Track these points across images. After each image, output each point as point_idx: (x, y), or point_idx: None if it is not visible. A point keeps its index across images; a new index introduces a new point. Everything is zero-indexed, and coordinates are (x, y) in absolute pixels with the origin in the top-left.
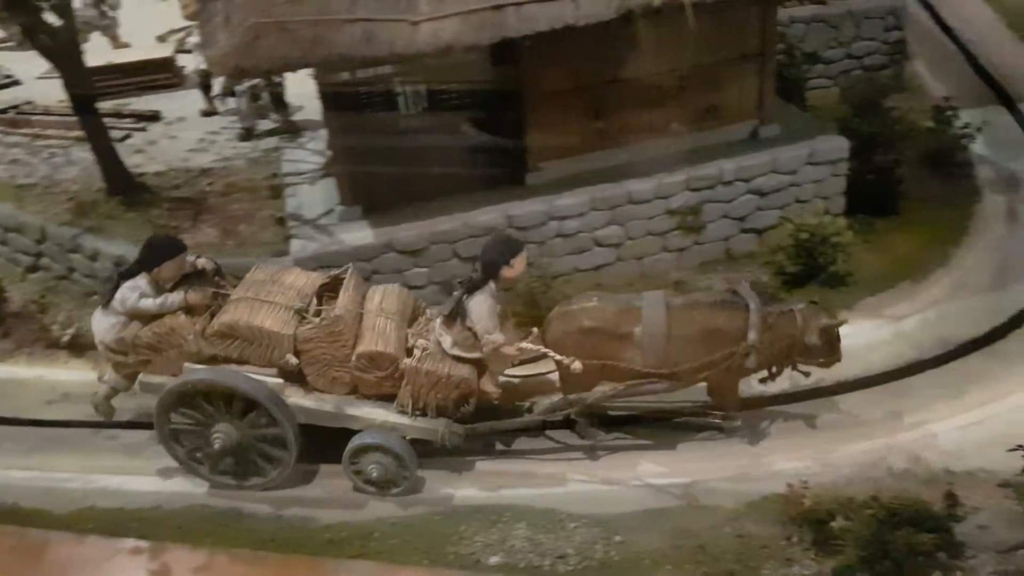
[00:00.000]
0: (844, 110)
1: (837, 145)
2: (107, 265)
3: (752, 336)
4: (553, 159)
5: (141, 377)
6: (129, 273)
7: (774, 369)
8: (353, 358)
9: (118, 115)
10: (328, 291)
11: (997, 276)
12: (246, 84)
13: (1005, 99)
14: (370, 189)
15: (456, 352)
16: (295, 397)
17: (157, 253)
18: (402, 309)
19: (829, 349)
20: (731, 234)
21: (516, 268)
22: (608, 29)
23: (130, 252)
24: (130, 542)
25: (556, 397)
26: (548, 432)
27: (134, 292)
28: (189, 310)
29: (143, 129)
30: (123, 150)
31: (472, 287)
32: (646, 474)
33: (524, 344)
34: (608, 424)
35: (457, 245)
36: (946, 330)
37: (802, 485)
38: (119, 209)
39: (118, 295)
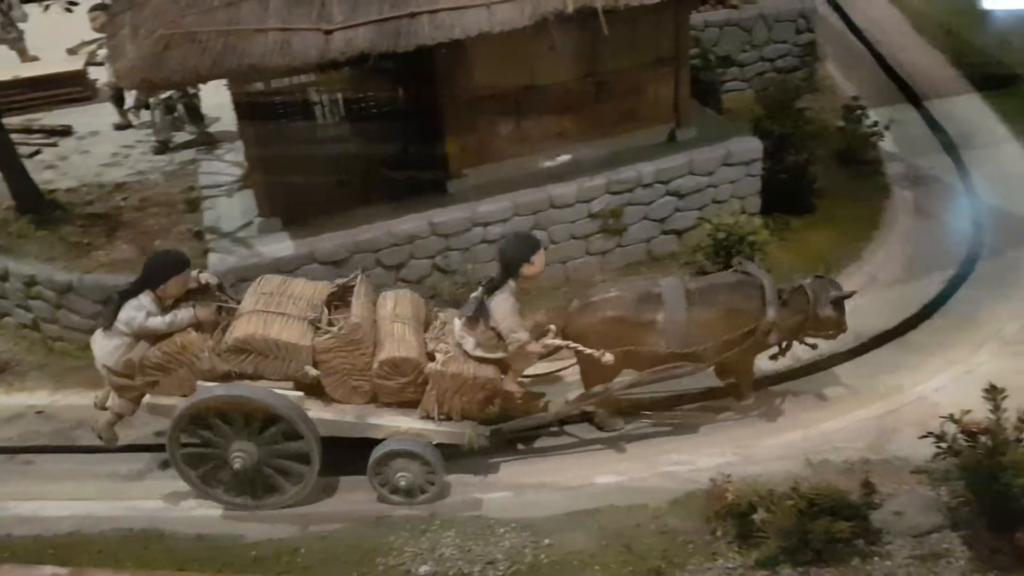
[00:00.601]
0: (759, 111)
1: (751, 146)
2: (17, 285)
3: (771, 313)
4: (475, 165)
5: (148, 399)
6: (131, 292)
7: (784, 344)
8: (375, 365)
9: (27, 130)
10: (336, 300)
11: (906, 269)
12: (160, 96)
13: (912, 97)
14: (289, 200)
15: (479, 353)
16: (315, 410)
17: (161, 270)
18: (416, 314)
19: (838, 321)
20: (652, 236)
21: (536, 265)
22: (524, 35)
23: (41, 272)
24: (48, 569)
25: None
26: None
27: (140, 311)
28: (198, 326)
29: (54, 144)
30: (33, 166)
31: (492, 287)
32: (574, 477)
33: (549, 340)
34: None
35: (380, 254)
36: (860, 322)
37: (725, 480)
38: (29, 227)
39: (122, 316)
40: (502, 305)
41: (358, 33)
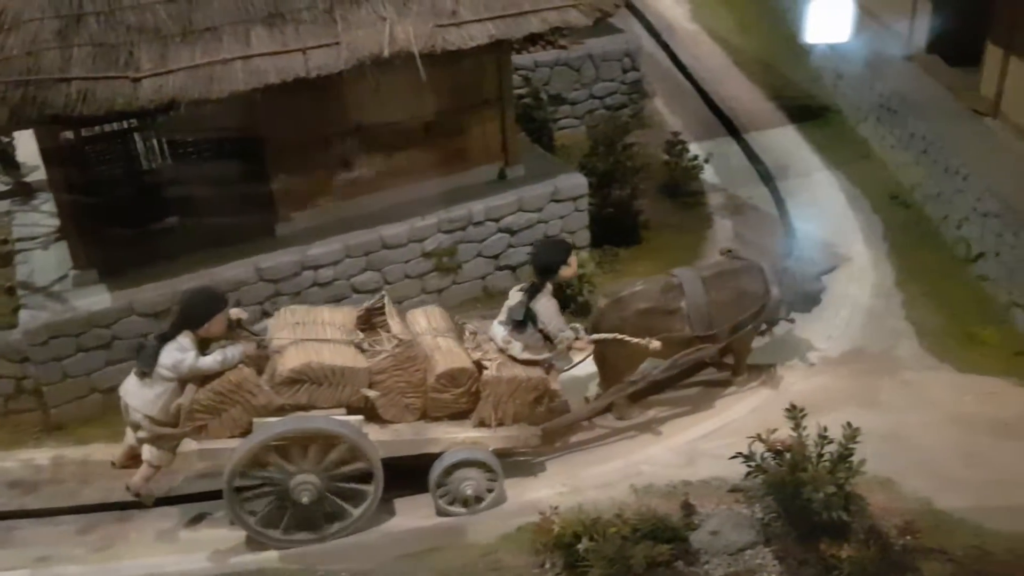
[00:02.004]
0: (590, 148)
1: (577, 182)
2: None
3: (775, 292)
4: (303, 208)
5: (199, 445)
6: (170, 335)
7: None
8: (432, 380)
9: None
10: (362, 324)
11: None
12: None
13: (732, 131)
14: (107, 250)
15: (526, 356)
16: (373, 432)
17: (204, 308)
18: (449, 327)
19: (817, 297)
20: (487, 272)
21: (572, 267)
22: (346, 79)
23: None
24: None
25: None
26: None
27: (186, 352)
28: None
29: None
30: None
31: (534, 291)
32: (402, 521)
33: (595, 336)
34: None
35: None
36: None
37: (552, 511)
38: None
39: (165, 360)
40: (547, 307)
41: (168, 80)
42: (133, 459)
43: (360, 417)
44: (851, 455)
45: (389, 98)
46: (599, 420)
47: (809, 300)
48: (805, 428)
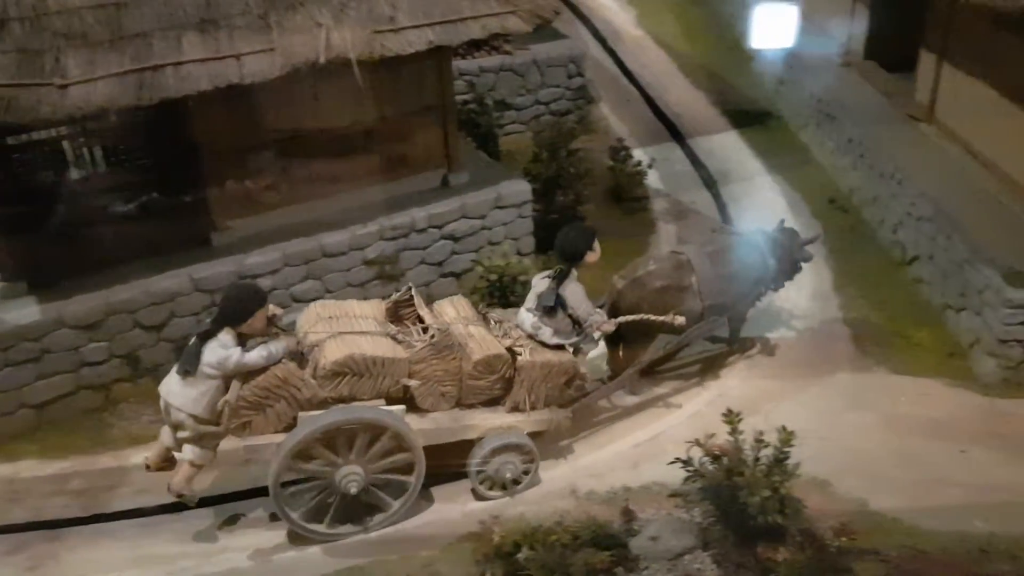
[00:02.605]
0: (534, 154)
1: (521, 189)
2: None
3: (772, 262)
4: (241, 216)
5: (245, 442)
6: (212, 332)
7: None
8: (468, 367)
9: None
10: (389, 317)
11: None
12: None
13: (677, 136)
14: (35, 261)
15: (556, 340)
16: (413, 421)
17: (247, 303)
18: (475, 316)
19: (800, 266)
20: (431, 279)
21: (597, 251)
22: (285, 84)
23: None
24: None
25: None
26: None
27: (230, 349)
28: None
29: None
30: None
31: (562, 277)
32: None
33: (621, 319)
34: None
35: (138, 314)
36: None
37: (493, 521)
38: None
39: (209, 358)
40: (576, 292)
41: (96, 87)
42: (167, 461)
43: (402, 407)
44: (787, 458)
45: (328, 104)
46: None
47: (795, 269)
48: (742, 432)
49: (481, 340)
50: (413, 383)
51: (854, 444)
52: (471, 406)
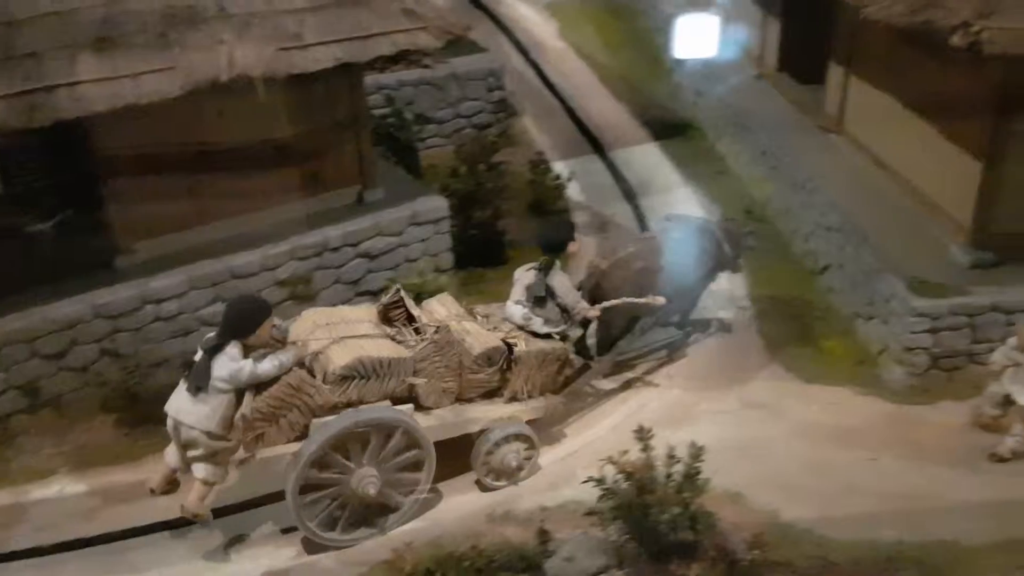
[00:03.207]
0: (458, 166)
1: (437, 205)
2: None
3: (728, 248)
4: (146, 238)
5: (260, 453)
6: (220, 346)
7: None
8: (468, 361)
9: None
10: (381, 320)
11: None
12: None
13: (598, 148)
14: None
15: (546, 330)
16: (420, 419)
17: (254, 315)
18: (465, 312)
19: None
20: (347, 298)
21: (578, 242)
22: (188, 102)
23: None
24: None
25: None
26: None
27: (240, 361)
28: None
29: None
30: None
31: (547, 268)
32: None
33: (605, 303)
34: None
35: (36, 344)
36: None
37: (406, 548)
38: None
39: (220, 372)
40: (564, 281)
41: None
42: (172, 483)
43: (410, 406)
44: (697, 474)
45: (235, 121)
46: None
47: (739, 257)
48: (654, 448)
49: (477, 334)
50: (419, 381)
51: (767, 454)
52: (469, 400)
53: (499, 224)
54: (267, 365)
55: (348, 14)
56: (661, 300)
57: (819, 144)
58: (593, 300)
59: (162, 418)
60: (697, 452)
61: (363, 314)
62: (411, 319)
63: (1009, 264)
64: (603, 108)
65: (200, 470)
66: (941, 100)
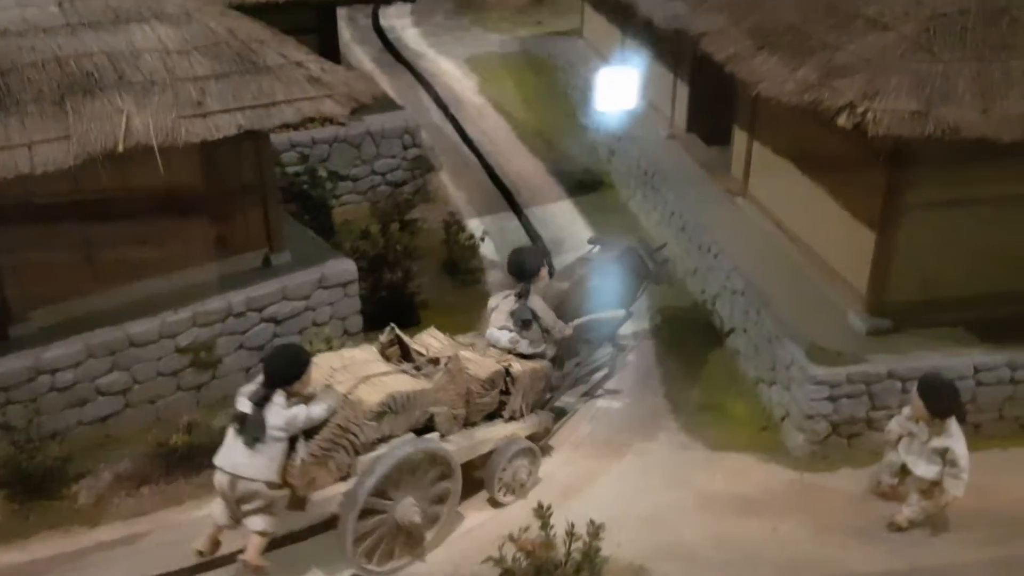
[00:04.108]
0: (374, 223)
1: (346, 268)
2: None
3: (651, 266)
4: (42, 306)
5: (314, 496)
6: (267, 397)
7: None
8: (477, 386)
9: None
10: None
11: None
12: None
13: (514, 205)
14: None
15: (531, 350)
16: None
17: (297, 365)
18: (454, 342)
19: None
20: (251, 364)
21: (546, 268)
22: (84, 167)
23: None
24: None
25: None
26: None
27: (295, 407)
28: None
29: None
30: None
31: (526, 294)
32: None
33: (576, 321)
34: None
35: None
36: None
37: None
38: None
39: (276, 421)
40: (541, 304)
41: None
42: (217, 543)
43: (436, 434)
44: (598, 551)
45: (136, 186)
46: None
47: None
48: (552, 527)
49: (477, 361)
50: (440, 410)
51: (671, 525)
52: (474, 424)
53: (410, 285)
54: (319, 409)
55: (252, 81)
56: (621, 312)
57: (725, 206)
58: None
59: (53, 494)
60: (596, 531)
61: (369, 355)
62: (405, 355)
63: (905, 331)
64: (520, 164)
65: (258, 522)
66: (836, 171)
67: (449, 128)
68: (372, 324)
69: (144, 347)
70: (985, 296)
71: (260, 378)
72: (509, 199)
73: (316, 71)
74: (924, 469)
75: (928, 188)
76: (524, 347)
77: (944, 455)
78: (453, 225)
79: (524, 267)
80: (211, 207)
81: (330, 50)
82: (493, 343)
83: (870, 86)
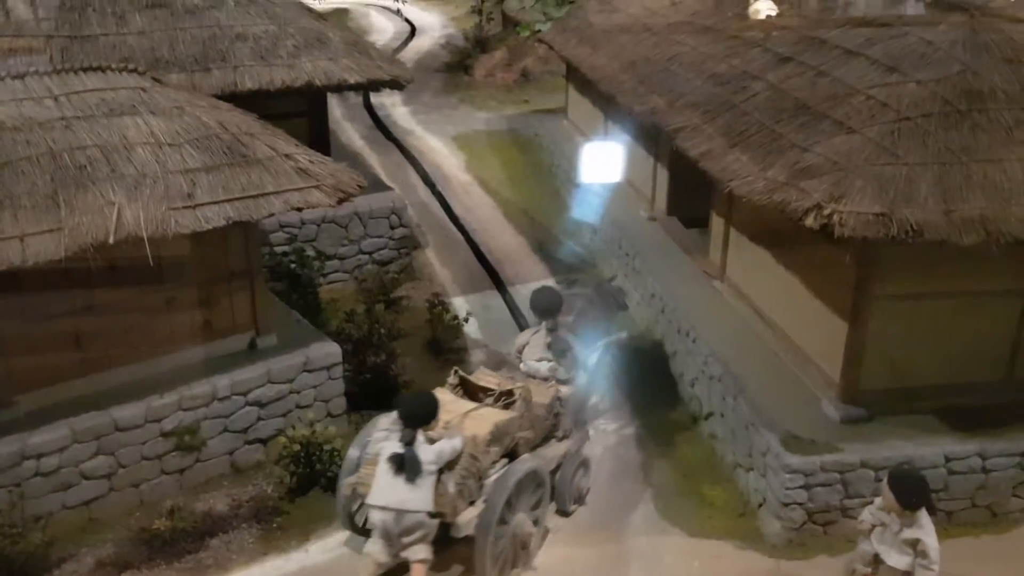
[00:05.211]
0: (355, 309)
1: (330, 351)
2: None
3: (616, 300)
4: (28, 391)
5: (458, 520)
6: (413, 438)
7: None
8: (543, 411)
9: None
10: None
11: None
12: None
13: (499, 284)
14: None
15: (566, 377)
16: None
17: (432, 409)
18: (506, 376)
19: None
20: (235, 447)
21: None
22: (75, 260)
23: None
24: None
25: None
26: None
27: (440, 442)
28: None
29: None
30: None
31: (556, 327)
32: None
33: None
34: None
35: None
36: None
37: None
38: None
39: (428, 456)
40: (568, 336)
41: None
42: None
43: (526, 455)
44: None
45: (125, 274)
46: None
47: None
48: None
49: (536, 389)
50: (525, 434)
51: None
52: (537, 445)
53: (394, 367)
54: (457, 442)
55: (241, 173)
56: (624, 334)
57: (703, 290)
58: None
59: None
60: None
61: (449, 396)
62: (467, 392)
63: (878, 420)
64: (505, 242)
65: (419, 552)
66: (807, 261)
67: (436, 205)
68: (356, 405)
69: (130, 431)
70: (954, 385)
71: (390, 423)
72: (494, 277)
73: (304, 163)
74: (896, 559)
75: (895, 281)
76: (561, 374)
77: (915, 546)
78: (437, 305)
79: (552, 305)
80: (199, 292)
81: (320, 134)
82: (532, 374)
83: (836, 188)
